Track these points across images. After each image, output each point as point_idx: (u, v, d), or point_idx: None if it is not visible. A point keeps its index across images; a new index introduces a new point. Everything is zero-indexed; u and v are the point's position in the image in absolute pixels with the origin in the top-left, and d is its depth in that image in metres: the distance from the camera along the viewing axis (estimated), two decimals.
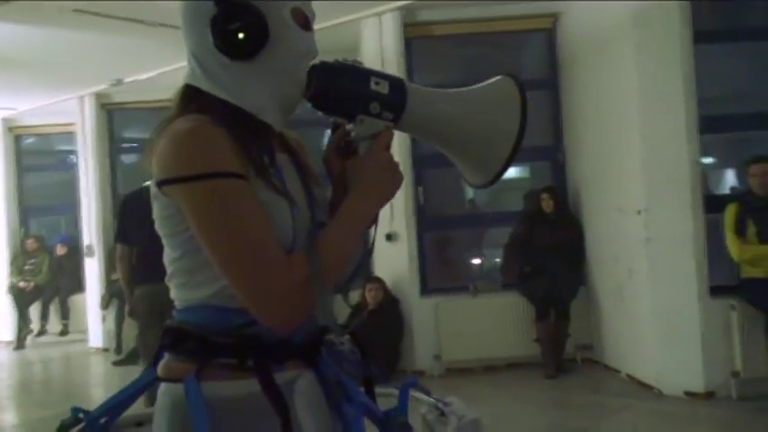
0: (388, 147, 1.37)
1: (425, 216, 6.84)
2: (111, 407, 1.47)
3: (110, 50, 7.48)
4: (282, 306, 1.23)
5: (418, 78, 6.65)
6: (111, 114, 9.62)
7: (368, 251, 1.43)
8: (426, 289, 6.83)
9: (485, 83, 1.43)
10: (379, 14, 6.71)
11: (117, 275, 5.99)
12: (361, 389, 1.49)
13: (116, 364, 8.08)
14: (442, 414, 1.62)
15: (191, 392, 1.26)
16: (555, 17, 7.00)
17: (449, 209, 8.16)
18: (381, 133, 1.36)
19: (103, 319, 9.11)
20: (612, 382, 6.04)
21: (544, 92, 7.09)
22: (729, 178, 8.64)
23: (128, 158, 10.02)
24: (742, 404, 5.14)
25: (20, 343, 9.87)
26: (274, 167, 1.35)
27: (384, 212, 2.72)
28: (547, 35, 7.17)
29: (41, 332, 10.26)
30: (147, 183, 4.53)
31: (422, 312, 6.61)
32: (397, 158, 1.40)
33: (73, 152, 10.21)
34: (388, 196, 1.38)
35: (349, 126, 1.38)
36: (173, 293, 1.38)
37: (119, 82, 8.64)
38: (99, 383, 7.90)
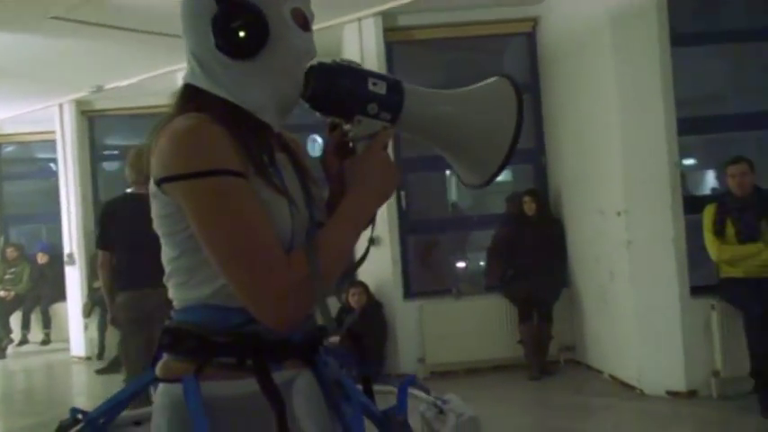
0: (385, 147, 1.38)
1: (408, 220, 6.86)
2: (109, 407, 1.47)
3: (89, 57, 7.44)
4: (282, 305, 1.23)
5: None
6: (92, 121, 9.57)
7: (365, 251, 1.44)
8: (410, 292, 6.85)
9: (481, 83, 1.45)
10: (359, 19, 6.72)
11: (99, 283, 5.96)
12: (360, 388, 1.50)
13: (99, 372, 8.02)
14: (441, 412, 1.63)
15: (189, 392, 1.26)
16: (534, 21, 7.04)
17: (432, 212, 8.19)
18: (379, 133, 1.37)
19: (86, 327, 9.03)
20: (595, 382, 6.08)
21: (525, 95, 7.08)
22: (711, 179, 8.72)
23: (109, 166, 9.96)
24: (723, 403, 5.19)
25: (1, 353, 9.77)
26: (273, 167, 1.36)
27: None
28: (527, 39, 7.21)
29: (23, 341, 10.15)
30: (129, 189, 4.49)
31: (405, 316, 6.62)
32: None
33: (53, 160, 10.13)
34: (385, 196, 1.39)
35: (346, 126, 1.39)
36: (171, 293, 1.37)
37: (99, 89, 8.59)
38: (82, 392, 7.84)
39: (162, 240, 1.36)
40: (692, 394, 5.34)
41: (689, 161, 8.33)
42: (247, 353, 1.29)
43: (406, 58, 7.07)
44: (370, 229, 1.40)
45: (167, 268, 1.37)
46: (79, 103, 9.24)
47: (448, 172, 8.59)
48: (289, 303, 1.24)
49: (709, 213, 5.36)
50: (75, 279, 9.25)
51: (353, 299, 6.36)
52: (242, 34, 1.29)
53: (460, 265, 8.41)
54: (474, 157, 1.42)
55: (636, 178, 5.53)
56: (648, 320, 5.48)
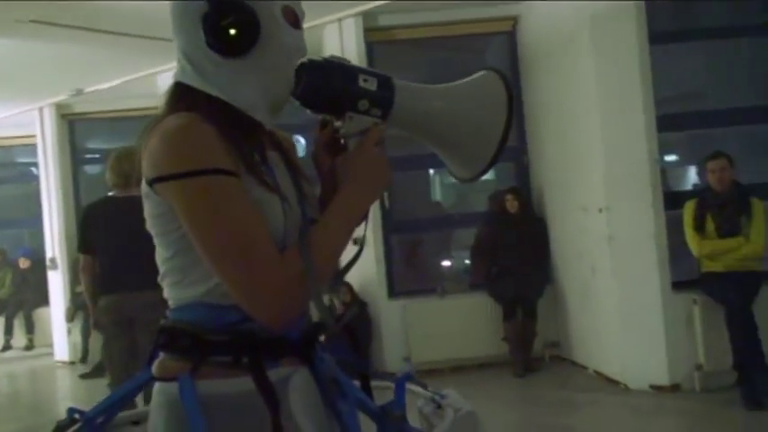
0: (377, 143, 1.38)
1: (391, 219, 6.88)
2: (106, 407, 1.47)
3: (69, 61, 7.40)
4: (276, 303, 1.23)
5: None
6: (73, 125, 9.51)
7: (360, 248, 1.44)
8: (394, 291, 6.86)
9: (470, 78, 1.45)
10: (340, 20, 6.73)
11: (81, 287, 5.92)
12: (357, 384, 1.50)
13: (83, 377, 7.98)
14: (439, 407, 1.63)
15: (185, 391, 1.26)
16: (515, 20, 7.07)
17: (415, 211, 8.21)
18: (370, 130, 1.37)
19: (69, 332, 8.97)
20: (580, 378, 6.12)
21: None
22: (693, 175, 8.79)
23: (91, 169, 9.91)
24: (706, 396, 5.23)
25: None
26: (265, 165, 1.36)
27: None
28: (507, 38, 7.24)
29: (6, 347, 10.10)
30: (111, 193, 4.45)
31: (390, 315, 6.64)
32: None
33: (35, 164, 10.07)
34: (378, 192, 1.40)
35: (338, 123, 1.39)
36: (166, 293, 1.37)
37: (79, 92, 8.55)
38: (66, 397, 7.79)
39: (155, 240, 1.36)
40: (675, 388, 5.38)
41: (671, 157, 8.39)
42: (243, 351, 1.29)
43: (387, 58, 7.08)
44: (363, 225, 1.41)
45: (162, 268, 1.37)
46: (59, 106, 9.19)
47: (432, 171, 8.62)
48: (282, 301, 1.24)
49: (689, 209, 5.40)
50: (57, 283, 9.19)
51: (337, 299, 6.38)
52: (233, 32, 1.29)
53: (445, 263, 8.44)
54: (465, 151, 1.44)
55: (617, 175, 5.57)
56: (631, 316, 5.53)
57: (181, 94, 1.36)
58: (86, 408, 1.49)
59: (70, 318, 8.83)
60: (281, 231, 1.29)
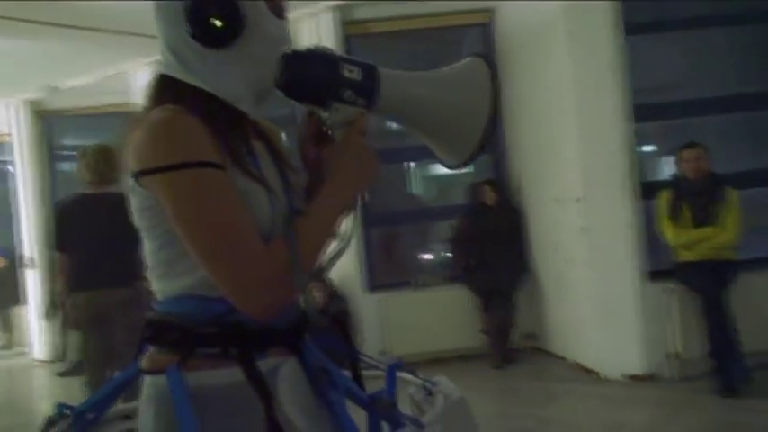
0: (363, 133, 1.38)
1: (369, 212, 6.87)
2: (96, 401, 1.47)
3: (42, 57, 7.34)
4: (262, 294, 1.23)
5: None
6: (48, 122, 9.42)
7: (347, 239, 1.44)
8: (372, 285, 6.86)
9: (456, 64, 1.44)
10: (316, 13, 6.71)
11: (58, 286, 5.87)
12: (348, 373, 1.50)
13: (61, 375, 7.92)
14: (430, 394, 1.63)
15: (173, 382, 1.25)
16: (491, 12, 7.07)
17: (393, 204, 8.19)
18: (356, 120, 1.37)
19: (46, 330, 8.92)
20: (557, 368, 6.15)
21: None
22: (671, 165, 8.80)
23: (67, 166, 9.80)
24: (681, 385, 5.28)
25: None
26: (251, 156, 1.35)
27: None
28: (484, 30, 7.23)
29: None
30: (84, 190, 4.42)
31: (368, 308, 6.63)
32: None
33: (10, 162, 9.97)
34: (364, 183, 1.38)
35: (323, 114, 1.38)
36: (153, 285, 1.37)
37: (54, 89, 8.47)
38: (44, 395, 7.74)
39: (142, 234, 1.35)
40: (651, 377, 5.42)
41: (649, 148, 8.43)
42: (231, 342, 1.29)
43: (364, 51, 7.06)
44: (349, 217, 1.40)
45: (149, 261, 1.36)
46: (34, 103, 9.10)
47: (410, 164, 8.61)
48: (268, 293, 1.24)
49: (664, 198, 5.43)
50: (34, 282, 9.12)
51: (317, 294, 6.34)
52: (217, 23, 1.28)
53: (424, 256, 8.43)
54: (453, 138, 1.42)
55: (592, 166, 5.59)
56: (607, 306, 5.56)
57: (165, 87, 1.35)
58: None
59: (47, 316, 8.75)
60: (267, 222, 1.29)
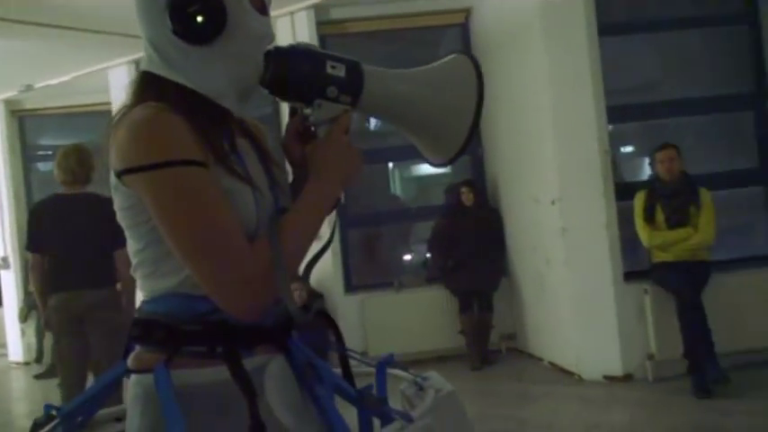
0: (346, 130, 1.37)
1: (348, 213, 6.85)
2: (82, 402, 1.45)
3: (17, 56, 7.26)
4: (245, 294, 1.22)
5: None
6: (23, 121, 9.34)
7: (330, 238, 1.42)
8: (351, 286, 6.84)
9: (440, 61, 1.44)
10: (292, 13, 6.68)
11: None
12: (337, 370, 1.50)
13: (37, 377, 7.86)
14: (422, 389, 1.62)
15: (160, 381, 1.24)
16: (467, 12, 7.08)
17: (374, 205, 8.18)
18: (340, 117, 1.36)
19: (23, 332, 8.85)
20: (535, 369, 6.16)
21: None
22: (647, 166, 8.85)
23: (43, 166, 9.73)
24: (658, 385, 5.30)
25: None
26: (236, 153, 1.34)
27: None
28: (460, 30, 7.24)
29: None
30: (59, 191, 4.38)
31: (347, 309, 6.62)
32: None
33: None
34: (348, 180, 1.38)
35: (307, 111, 1.37)
36: (139, 285, 1.36)
37: (29, 88, 8.39)
38: (21, 397, 7.70)
39: (126, 233, 1.34)
40: (628, 378, 5.44)
41: (627, 149, 8.46)
42: (217, 340, 1.28)
43: (340, 52, 6.97)
44: (333, 215, 1.40)
45: (134, 260, 1.35)
46: (8, 102, 9.03)
47: (391, 165, 8.59)
48: (251, 292, 1.23)
49: (639, 200, 5.45)
50: (10, 283, 9.05)
51: (295, 294, 6.32)
52: (200, 19, 1.26)
53: (404, 257, 8.42)
54: (438, 135, 1.42)
55: (569, 167, 5.60)
56: (584, 306, 5.57)
57: (148, 84, 1.33)
58: (41, 408, 1.45)
59: (23, 318, 8.70)
60: (252, 221, 1.28)
